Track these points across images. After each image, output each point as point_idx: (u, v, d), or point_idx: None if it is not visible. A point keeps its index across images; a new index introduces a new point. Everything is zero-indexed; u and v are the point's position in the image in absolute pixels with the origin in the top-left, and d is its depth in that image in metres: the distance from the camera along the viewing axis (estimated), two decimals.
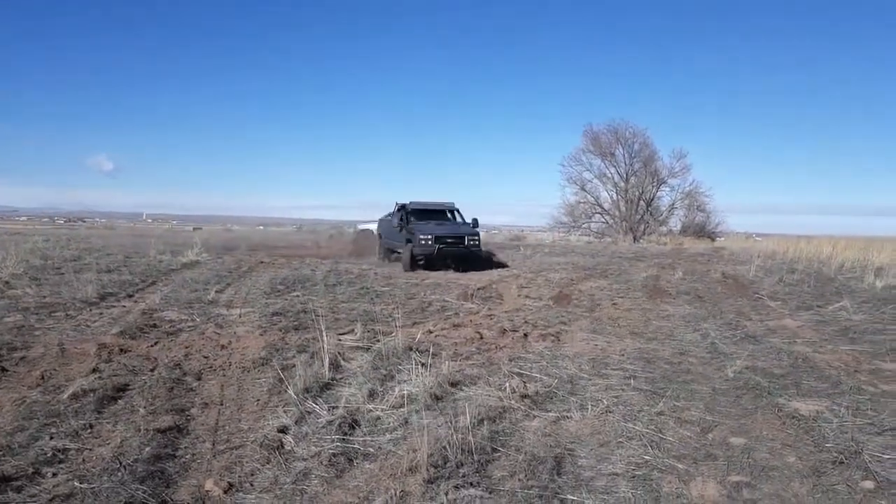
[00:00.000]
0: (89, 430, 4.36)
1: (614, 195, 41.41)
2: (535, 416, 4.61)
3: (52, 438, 4.17)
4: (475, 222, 19.13)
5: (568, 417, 4.60)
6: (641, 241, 37.24)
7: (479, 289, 11.83)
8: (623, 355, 6.54)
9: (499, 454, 3.95)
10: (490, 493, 3.44)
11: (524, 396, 4.99)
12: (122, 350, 6.55)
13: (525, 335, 7.30)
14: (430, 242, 16.97)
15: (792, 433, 4.45)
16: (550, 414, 4.67)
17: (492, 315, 8.88)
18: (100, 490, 3.42)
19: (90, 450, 4.02)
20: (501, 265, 18.57)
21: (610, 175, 41.26)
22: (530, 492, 3.45)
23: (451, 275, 15.61)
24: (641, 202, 40.56)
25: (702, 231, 40.27)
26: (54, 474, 3.64)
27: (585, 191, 41.90)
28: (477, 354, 6.43)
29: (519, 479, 3.59)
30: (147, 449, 3.99)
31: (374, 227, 24.29)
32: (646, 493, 3.49)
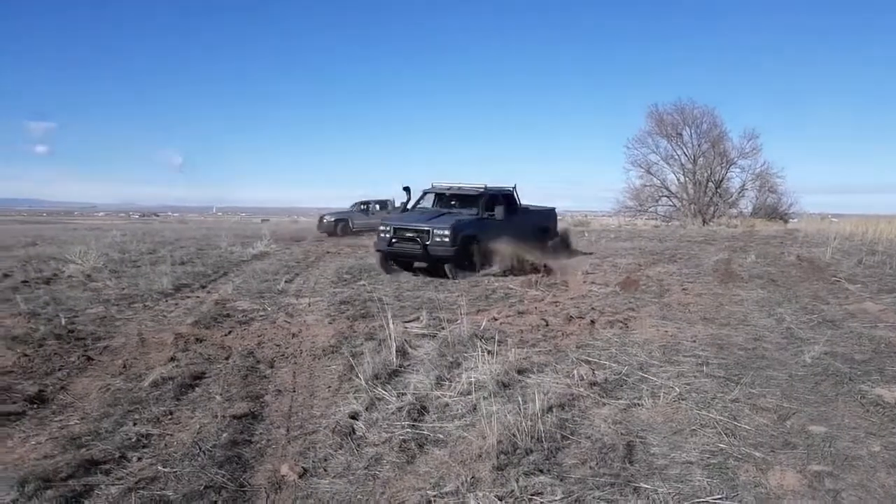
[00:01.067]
0: (169, 417, 4.53)
1: (681, 177, 40.43)
2: (604, 404, 4.56)
3: (135, 424, 4.35)
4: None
5: (639, 405, 4.53)
6: (711, 224, 36.27)
7: (543, 276, 11.74)
8: (695, 341, 6.39)
9: (568, 442, 3.92)
10: (561, 480, 3.41)
11: (593, 384, 4.93)
12: (197, 339, 6.77)
13: (592, 322, 7.21)
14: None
15: (876, 421, 4.27)
16: (621, 401, 4.60)
17: (557, 302, 8.80)
18: (181, 474, 3.55)
19: (171, 435, 4.18)
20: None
21: (677, 157, 40.29)
22: (602, 479, 3.41)
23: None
24: (710, 184, 39.48)
25: (774, 213, 38.94)
26: (139, 459, 3.80)
27: (651, 173, 41.04)
28: (543, 342, 6.39)
29: (590, 467, 3.56)
30: (224, 435, 4.12)
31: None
32: (722, 481, 3.41)
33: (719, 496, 3.25)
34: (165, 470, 3.61)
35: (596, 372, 5.22)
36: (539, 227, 14.99)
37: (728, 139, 39.40)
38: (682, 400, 4.63)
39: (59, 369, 5.75)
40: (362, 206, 29.09)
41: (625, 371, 5.31)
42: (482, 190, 13.56)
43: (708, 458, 3.69)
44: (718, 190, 39.67)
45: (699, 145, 39.73)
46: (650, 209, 41.49)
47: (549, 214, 15.99)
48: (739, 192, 40.38)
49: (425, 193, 14.41)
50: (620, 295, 9.44)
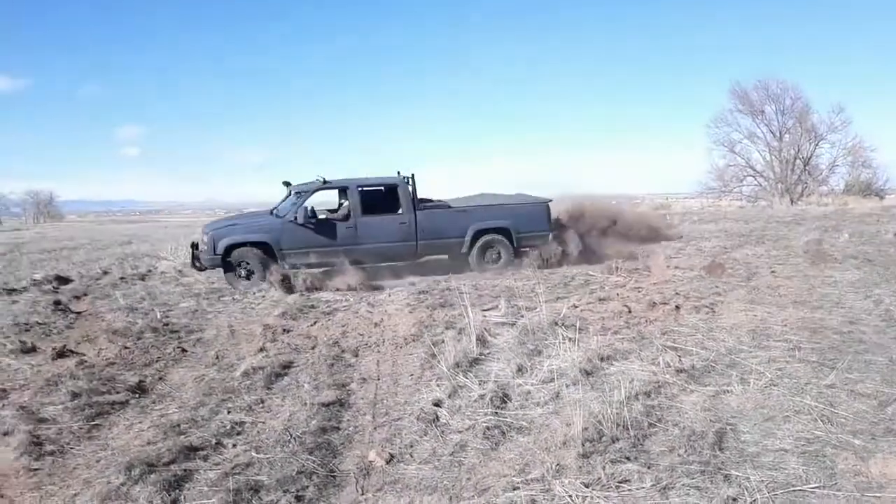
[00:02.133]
0: (261, 405, 4.71)
1: (767, 156, 38.75)
2: (692, 391, 4.45)
3: (229, 412, 4.54)
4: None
5: (728, 391, 4.40)
6: (799, 203, 34.69)
7: (623, 260, 11.52)
8: (785, 326, 6.15)
9: (655, 429, 3.85)
10: (648, 467, 3.36)
11: (679, 370, 4.82)
12: (284, 330, 6.99)
13: (677, 307, 7.03)
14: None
15: None
16: (709, 388, 4.49)
17: (639, 288, 8.62)
18: (274, 460, 3.69)
19: (263, 423, 4.34)
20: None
21: (761, 134, 38.58)
22: (691, 467, 3.34)
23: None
24: (798, 161, 37.70)
25: (868, 189, 36.81)
26: (234, 445, 3.97)
27: (735, 153, 39.46)
28: (626, 328, 6.28)
29: (678, 454, 3.49)
30: (313, 422, 4.25)
31: None
32: (819, 469, 3.28)
33: (816, 485, 3.13)
34: (259, 456, 3.76)
35: (682, 358, 5.10)
36: (455, 229, 11.51)
37: (814, 113, 37.49)
38: (774, 386, 4.47)
39: (157, 360, 6.06)
40: None
41: (712, 357, 5.17)
42: (301, 186, 11.35)
43: (803, 445, 3.56)
44: (807, 167, 37.82)
45: (784, 121, 37.97)
46: (734, 189, 39.97)
47: (499, 212, 11.84)
48: (829, 169, 38.32)
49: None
50: (706, 279, 9.16)
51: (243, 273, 10.45)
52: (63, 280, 11.48)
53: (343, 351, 6.11)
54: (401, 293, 9.21)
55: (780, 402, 4.17)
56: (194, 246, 11.37)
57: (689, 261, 11.38)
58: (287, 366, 5.66)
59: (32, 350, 6.44)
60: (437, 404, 4.43)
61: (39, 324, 7.77)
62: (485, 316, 6.95)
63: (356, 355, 5.99)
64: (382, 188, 11.64)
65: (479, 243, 11.43)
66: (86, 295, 9.89)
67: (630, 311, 7.03)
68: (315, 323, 7.34)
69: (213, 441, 4.01)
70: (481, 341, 5.83)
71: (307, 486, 3.38)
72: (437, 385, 4.81)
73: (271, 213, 11.41)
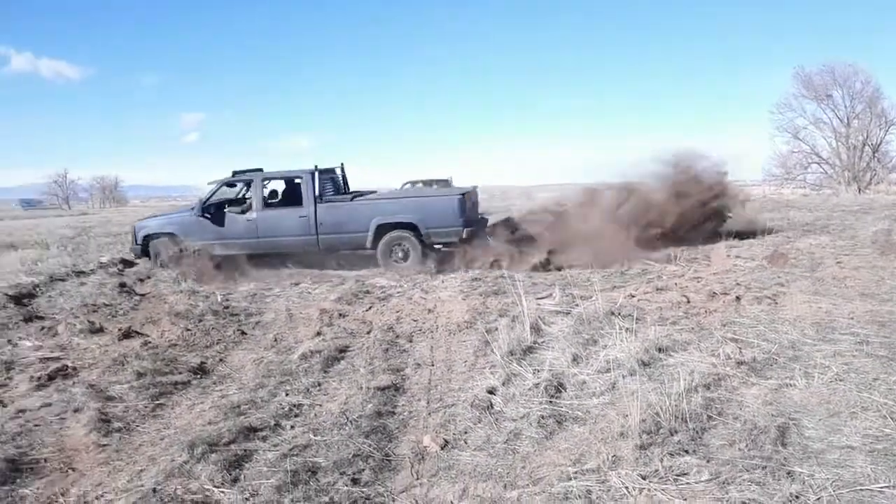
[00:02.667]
0: (318, 388, 4.79)
1: (833, 142, 37.32)
2: (753, 384, 4.34)
3: (287, 395, 4.64)
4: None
5: (791, 385, 4.28)
6: (867, 191, 33.37)
7: (682, 249, 11.28)
8: (852, 318, 5.93)
9: (715, 422, 3.77)
10: (707, 461, 3.30)
11: (740, 363, 4.70)
12: (340, 315, 7.09)
13: (738, 298, 6.85)
14: None
15: None
16: (771, 381, 4.37)
17: (698, 277, 8.42)
18: (331, 442, 3.75)
19: (320, 405, 4.42)
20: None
21: (827, 120, 37.13)
22: (752, 462, 3.26)
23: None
24: (866, 148, 36.21)
25: None
26: (292, 427, 4.06)
27: (799, 139, 38.14)
28: (685, 319, 6.15)
29: (739, 449, 3.41)
30: (369, 406, 4.31)
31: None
32: (888, 468, 3.16)
33: (885, 484, 3.02)
34: (316, 438, 3.83)
35: (743, 350, 4.97)
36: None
37: (885, 97, 35.89)
38: (840, 381, 4.32)
39: (217, 342, 6.23)
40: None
41: (774, 350, 5.02)
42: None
43: (871, 443, 3.44)
44: (876, 154, 36.26)
45: (852, 106, 36.47)
46: (798, 177, 38.72)
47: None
48: None
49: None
50: (768, 269, 8.90)
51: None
52: (128, 263, 11.87)
53: (397, 336, 6.16)
54: (454, 280, 9.22)
55: (847, 398, 4.03)
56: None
57: (751, 250, 11.08)
58: (343, 350, 5.75)
59: (100, 330, 6.70)
60: (491, 392, 4.43)
61: (106, 305, 8.06)
62: (539, 304, 6.90)
63: (410, 341, 6.03)
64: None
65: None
66: (149, 278, 10.20)
67: (689, 302, 6.88)
68: (370, 308, 7.42)
69: (272, 422, 4.11)
70: (535, 329, 5.80)
71: (363, 469, 3.44)
72: (491, 372, 4.81)
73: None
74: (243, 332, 6.59)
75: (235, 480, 3.36)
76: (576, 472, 3.26)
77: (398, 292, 8.43)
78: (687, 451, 3.39)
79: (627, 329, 5.26)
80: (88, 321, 6.96)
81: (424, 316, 6.97)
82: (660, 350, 5.03)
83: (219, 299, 8.15)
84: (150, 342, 6.16)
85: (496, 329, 5.92)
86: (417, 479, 3.37)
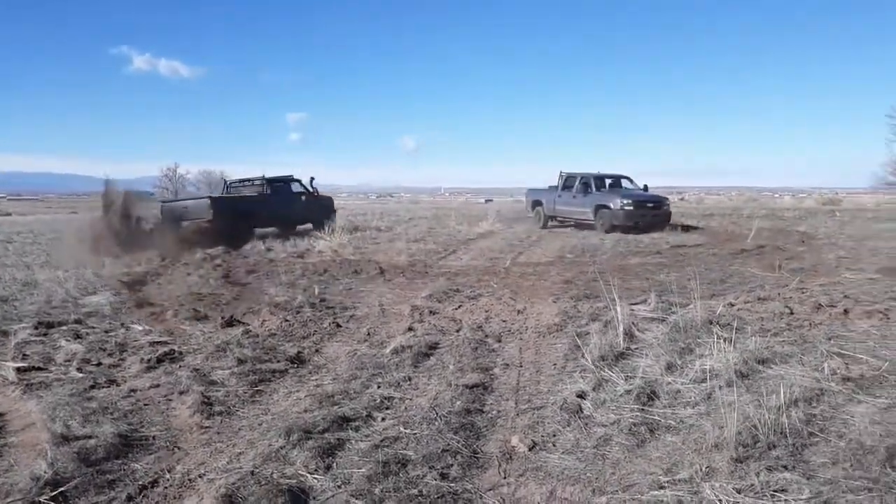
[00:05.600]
0: (408, 382, 4.88)
1: None
2: (860, 402, 4.11)
3: (379, 387, 4.74)
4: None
5: None
6: None
7: (787, 259, 10.80)
8: None
9: (817, 439, 3.60)
10: (808, 478, 3.15)
11: (846, 379, 4.46)
12: (431, 312, 7.19)
13: (845, 311, 6.49)
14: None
15: None
16: (880, 400, 4.12)
17: (804, 289, 8.03)
18: (421, 436, 3.81)
19: (410, 399, 4.50)
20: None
21: None
22: (856, 483, 3.09)
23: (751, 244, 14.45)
24: None
25: None
26: (383, 419, 4.14)
27: None
28: (787, 331, 5.88)
29: (842, 468, 3.24)
30: (458, 402, 4.35)
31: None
32: None
33: None
34: (406, 431, 3.90)
35: (850, 366, 4.71)
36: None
37: None
38: None
39: (314, 334, 6.44)
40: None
41: (885, 367, 4.73)
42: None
43: None
44: None
45: None
46: None
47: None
48: None
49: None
50: (880, 282, 8.39)
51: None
52: (230, 254, 12.44)
53: (486, 336, 6.19)
54: (544, 282, 9.17)
55: None
56: None
57: (861, 262, 10.48)
58: (433, 346, 5.83)
59: (204, 318, 7.06)
60: (581, 396, 4.38)
61: (210, 294, 8.48)
62: (632, 310, 6.76)
63: (499, 341, 6.05)
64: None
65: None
66: (252, 272, 10.65)
67: (792, 313, 6.57)
68: (460, 307, 7.48)
69: (364, 413, 4.21)
70: (628, 335, 5.70)
71: (451, 465, 3.47)
72: (581, 377, 4.76)
73: None
74: (338, 325, 6.79)
75: (328, 468, 3.46)
76: (667, 482, 3.18)
77: (488, 292, 8.45)
78: (786, 467, 3.25)
79: (726, 339, 5.08)
80: (194, 309, 7.35)
81: (514, 317, 6.97)
82: (759, 362, 4.84)
83: (315, 292, 8.42)
84: (250, 331, 6.43)
85: (587, 333, 5.86)
86: (505, 478, 3.38)
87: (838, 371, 4.57)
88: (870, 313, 6.41)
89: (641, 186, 20.15)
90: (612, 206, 17.93)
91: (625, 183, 20.26)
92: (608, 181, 20.02)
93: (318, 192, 19.05)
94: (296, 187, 18.65)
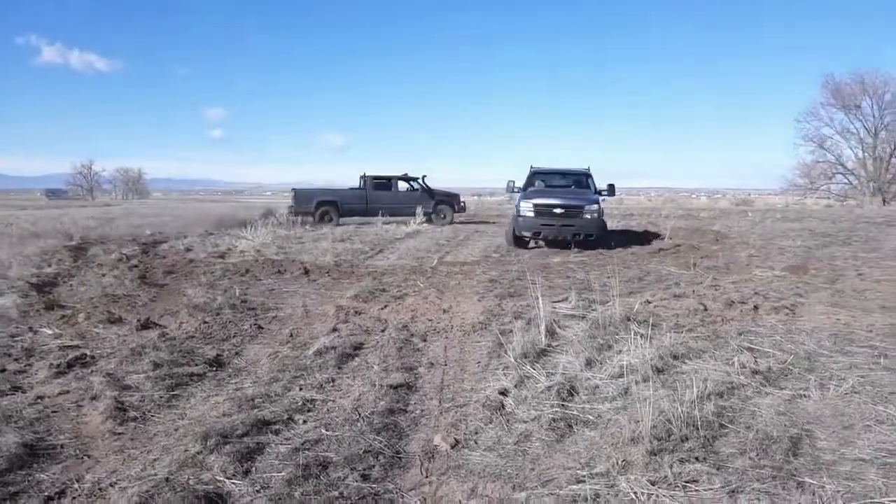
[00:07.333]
0: (332, 384, 4.83)
1: (860, 153, 36.95)
2: (767, 394, 4.31)
3: (301, 389, 4.67)
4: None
5: (805, 396, 4.25)
6: (892, 203, 32.96)
7: (702, 257, 11.23)
8: (871, 331, 5.87)
9: (727, 430, 3.76)
10: (718, 469, 3.29)
11: (755, 372, 4.67)
12: (356, 312, 7.14)
13: (755, 307, 6.80)
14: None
15: None
16: (785, 392, 4.34)
17: (717, 286, 8.36)
18: (343, 438, 3.78)
19: (333, 401, 4.45)
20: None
21: (854, 130, 36.81)
22: (762, 471, 3.24)
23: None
24: (893, 160, 35.78)
25: None
26: (304, 421, 4.09)
27: (824, 149, 37.79)
28: (701, 327, 6.11)
29: (749, 458, 3.39)
30: (382, 403, 4.33)
31: None
32: None
33: None
34: (328, 433, 3.86)
35: (758, 360, 4.94)
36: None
37: None
38: (855, 393, 4.28)
39: (234, 336, 6.30)
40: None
41: (790, 360, 4.99)
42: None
43: (884, 456, 3.40)
44: None
45: (881, 117, 36.05)
46: (822, 187, 38.32)
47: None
48: None
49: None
50: (787, 279, 8.82)
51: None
52: (148, 255, 12.03)
53: (412, 335, 6.19)
54: (469, 281, 9.24)
55: (861, 411, 3.99)
56: None
57: (770, 260, 10.99)
58: (358, 347, 5.79)
59: (119, 320, 6.80)
60: (504, 393, 4.43)
61: (126, 296, 8.17)
62: (554, 308, 6.89)
63: (425, 340, 6.06)
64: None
65: None
66: (171, 273, 10.32)
67: (706, 310, 6.84)
68: (386, 307, 7.46)
69: (285, 416, 4.14)
70: (550, 333, 5.80)
71: (373, 466, 3.46)
72: (504, 374, 4.82)
73: None
74: (260, 327, 6.66)
75: (247, 472, 3.39)
76: (585, 476, 3.25)
77: (414, 291, 8.46)
78: (697, 459, 3.38)
79: (643, 335, 5.24)
80: (108, 311, 7.07)
81: (440, 316, 6.99)
82: (674, 357, 5.02)
83: (236, 293, 8.23)
84: (167, 333, 6.23)
85: (511, 331, 5.92)
86: (427, 476, 3.39)
87: (748, 365, 4.78)
88: (777, 309, 6.74)
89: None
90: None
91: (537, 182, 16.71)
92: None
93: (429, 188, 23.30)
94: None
